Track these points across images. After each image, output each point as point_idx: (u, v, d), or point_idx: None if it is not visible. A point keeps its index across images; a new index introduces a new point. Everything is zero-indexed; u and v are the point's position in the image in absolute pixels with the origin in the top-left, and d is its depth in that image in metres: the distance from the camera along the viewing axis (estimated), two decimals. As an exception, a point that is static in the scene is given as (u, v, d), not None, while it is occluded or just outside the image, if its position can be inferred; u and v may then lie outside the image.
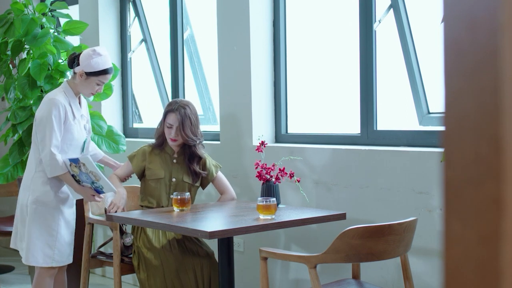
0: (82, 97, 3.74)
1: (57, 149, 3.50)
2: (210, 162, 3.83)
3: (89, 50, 3.63)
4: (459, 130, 0.80)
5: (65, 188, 3.66)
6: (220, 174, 3.86)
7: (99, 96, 4.44)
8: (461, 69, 0.80)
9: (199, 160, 3.79)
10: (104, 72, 3.60)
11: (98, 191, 3.60)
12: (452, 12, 0.80)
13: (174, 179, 3.75)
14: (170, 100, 4.99)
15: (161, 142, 3.79)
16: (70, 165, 3.53)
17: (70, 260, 3.69)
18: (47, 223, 3.58)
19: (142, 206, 3.77)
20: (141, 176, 3.80)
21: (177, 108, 3.71)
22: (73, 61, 3.64)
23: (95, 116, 4.41)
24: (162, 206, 3.73)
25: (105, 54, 3.63)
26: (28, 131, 4.24)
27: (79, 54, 3.63)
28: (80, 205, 4.13)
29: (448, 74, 0.81)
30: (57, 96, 3.56)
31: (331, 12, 4.15)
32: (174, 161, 3.78)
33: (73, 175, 3.56)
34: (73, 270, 4.27)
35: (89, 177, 3.53)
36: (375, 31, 3.75)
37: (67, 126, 3.56)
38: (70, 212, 3.70)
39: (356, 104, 3.83)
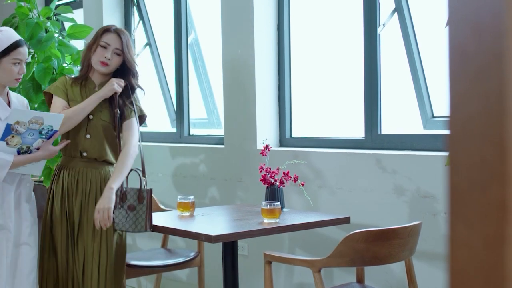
0: (12, 95, 3.28)
1: None
2: (135, 102, 3.33)
3: None
4: (464, 134, 0.80)
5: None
6: (133, 120, 3.29)
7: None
8: (465, 72, 0.80)
9: (128, 96, 3.30)
10: (14, 46, 3.13)
11: (50, 135, 3.12)
12: (456, 15, 0.80)
13: (91, 116, 3.24)
14: (175, 108, 5.00)
15: (85, 72, 3.31)
16: (7, 143, 3.05)
17: None
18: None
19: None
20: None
21: (116, 29, 3.27)
22: None
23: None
24: (75, 155, 3.25)
25: (6, 29, 3.22)
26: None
27: None
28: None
29: (452, 77, 0.81)
30: None
31: (335, 16, 4.15)
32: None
33: (18, 152, 3.08)
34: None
35: (33, 130, 3.05)
36: (379, 35, 3.75)
37: None
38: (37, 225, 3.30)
39: (360, 108, 3.83)
